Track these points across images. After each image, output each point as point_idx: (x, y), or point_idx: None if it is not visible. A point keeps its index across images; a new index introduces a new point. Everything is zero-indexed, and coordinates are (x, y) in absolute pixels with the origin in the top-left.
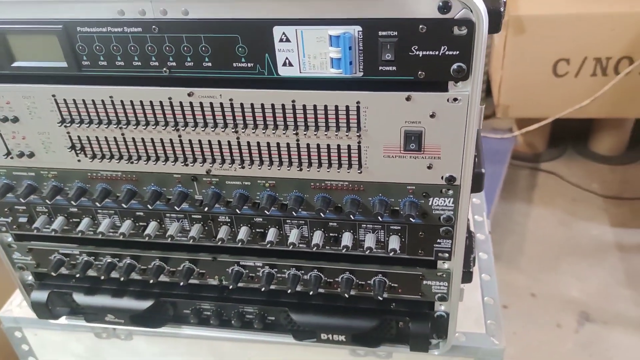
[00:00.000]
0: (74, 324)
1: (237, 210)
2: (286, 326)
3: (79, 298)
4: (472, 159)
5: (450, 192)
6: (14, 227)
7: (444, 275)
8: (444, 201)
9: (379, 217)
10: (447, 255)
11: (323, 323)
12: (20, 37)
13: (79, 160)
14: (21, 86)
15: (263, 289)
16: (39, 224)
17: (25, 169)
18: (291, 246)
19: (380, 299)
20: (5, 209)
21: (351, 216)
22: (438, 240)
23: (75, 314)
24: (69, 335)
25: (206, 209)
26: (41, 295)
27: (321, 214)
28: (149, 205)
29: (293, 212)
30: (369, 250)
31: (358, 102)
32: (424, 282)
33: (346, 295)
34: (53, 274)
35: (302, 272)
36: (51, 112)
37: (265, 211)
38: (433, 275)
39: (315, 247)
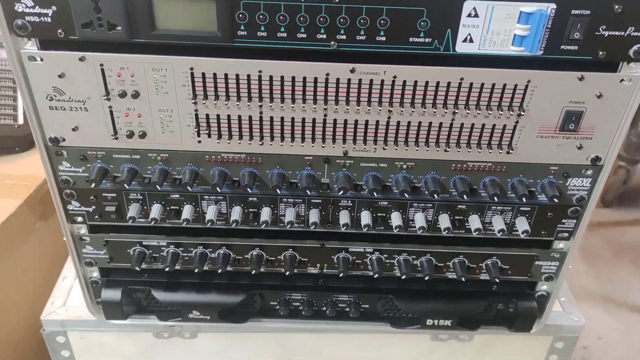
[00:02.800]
0: (137, 324)
1: (374, 193)
2: (382, 314)
3: (160, 295)
4: (621, 141)
5: (590, 172)
6: (96, 217)
7: (557, 256)
8: (582, 181)
9: (523, 199)
10: (566, 235)
11: (430, 309)
12: (169, 1)
13: (199, 141)
14: (155, 57)
15: (376, 275)
16: (134, 213)
17: (129, 151)
18: (421, 230)
19: (497, 281)
20: (91, 197)
21: (495, 198)
22: (563, 221)
23: (144, 312)
24: (123, 337)
25: (339, 191)
26: (113, 294)
27: (464, 196)
28: (277, 189)
29: (435, 195)
30: (501, 233)
31: (528, 81)
32: (536, 262)
33: (463, 279)
34: (137, 268)
35: (414, 257)
36: (182, 87)
37: (405, 193)
38: (547, 256)
39: (446, 231)
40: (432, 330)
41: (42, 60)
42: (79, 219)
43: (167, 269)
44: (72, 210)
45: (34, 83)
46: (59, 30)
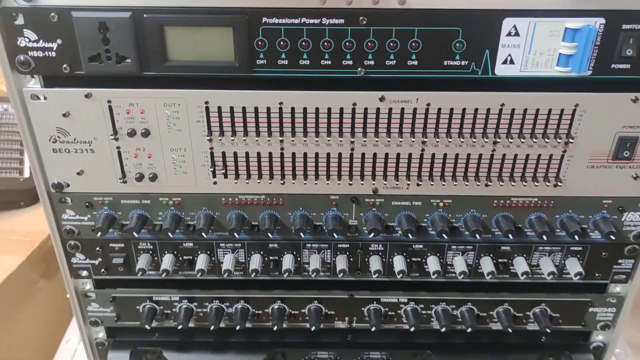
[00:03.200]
0: None
1: (409, 235)
2: None
3: (172, 356)
4: None
5: None
6: (103, 270)
7: (614, 301)
8: (639, 216)
9: (575, 237)
10: (623, 277)
11: None
12: (182, 30)
13: (214, 182)
14: (167, 91)
15: (412, 329)
16: (144, 264)
17: (139, 196)
18: (462, 276)
19: (548, 331)
20: (97, 248)
21: (544, 237)
22: (619, 261)
23: None
24: None
25: (370, 233)
26: (121, 357)
27: (510, 235)
28: (300, 233)
29: (477, 235)
30: (551, 276)
31: (576, 105)
32: (590, 309)
33: (509, 330)
34: (147, 326)
35: (453, 306)
36: (196, 123)
37: (444, 234)
38: (602, 301)
39: (490, 276)
40: None
41: (45, 98)
42: (84, 273)
43: (180, 327)
44: (77, 263)
45: (36, 124)
46: (64, 66)
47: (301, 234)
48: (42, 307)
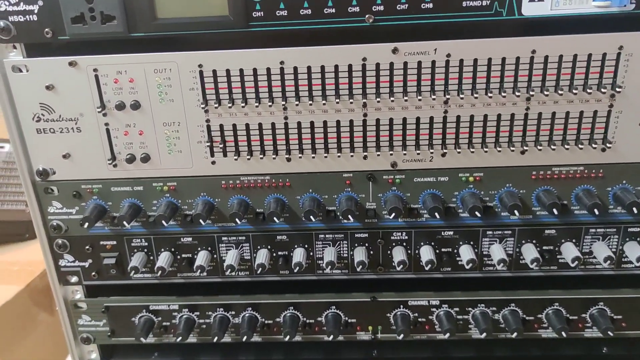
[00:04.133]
0: None
1: (435, 214)
2: None
3: None
4: None
5: None
6: (93, 274)
7: None
8: None
9: (634, 209)
10: None
11: None
12: None
13: (213, 162)
14: (157, 55)
15: (447, 335)
16: (137, 262)
17: (130, 182)
18: (501, 264)
19: (611, 334)
20: (87, 247)
21: (595, 211)
22: None
23: None
24: None
25: (390, 214)
26: None
27: (554, 210)
28: (310, 216)
29: (515, 211)
30: (608, 262)
31: (620, 47)
32: None
33: (563, 334)
34: (143, 339)
35: (494, 309)
36: (190, 92)
37: (476, 212)
38: None
39: (535, 264)
40: None
41: (28, 70)
42: (73, 278)
43: (179, 339)
44: (65, 266)
45: (19, 100)
46: (47, 30)
47: (311, 217)
48: (41, 343)
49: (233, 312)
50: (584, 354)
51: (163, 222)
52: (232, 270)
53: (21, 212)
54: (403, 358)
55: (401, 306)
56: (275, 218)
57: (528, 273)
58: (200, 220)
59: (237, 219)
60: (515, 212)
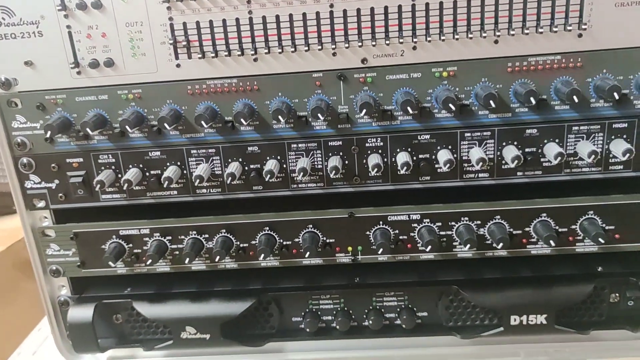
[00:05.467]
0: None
1: (407, 109)
2: (448, 321)
3: (144, 308)
4: None
5: None
6: (61, 195)
7: None
8: None
9: (615, 95)
10: None
11: (513, 299)
12: None
13: (178, 65)
14: None
15: (428, 249)
16: (104, 177)
17: (95, 91)
18: (480, 164)
19: (602, 241)
20: (52, 165)
21: (574, 98)
22: None
23: (127, 342)
24: None
25: (361, 111)
26: (83, 313)
27: (531, 99)
28: (279, 117)
29: (491, 101)
30: (593, 156)
31: None
32: None
33: (551, 243)
34: (112, 263)
35: (478, 222)
36: None
37: (450, 105)
38: None
39: (516, 162)
40: (521, 334)
41: None
42: (41, 203)
43: (149, 262)
44: (32, 189)
45: None
46: None
47: (280, 117)
48: (20, 309)
49: (206, 236)
50: (578, 272)
51: (127, 127)
52: (200, 181)
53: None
54: (387, 283)
55: (380, 222)
56: (242, 119)
57: (512, 180)
58: (165, 124)
59: (203, 122)
60: (491, 102)
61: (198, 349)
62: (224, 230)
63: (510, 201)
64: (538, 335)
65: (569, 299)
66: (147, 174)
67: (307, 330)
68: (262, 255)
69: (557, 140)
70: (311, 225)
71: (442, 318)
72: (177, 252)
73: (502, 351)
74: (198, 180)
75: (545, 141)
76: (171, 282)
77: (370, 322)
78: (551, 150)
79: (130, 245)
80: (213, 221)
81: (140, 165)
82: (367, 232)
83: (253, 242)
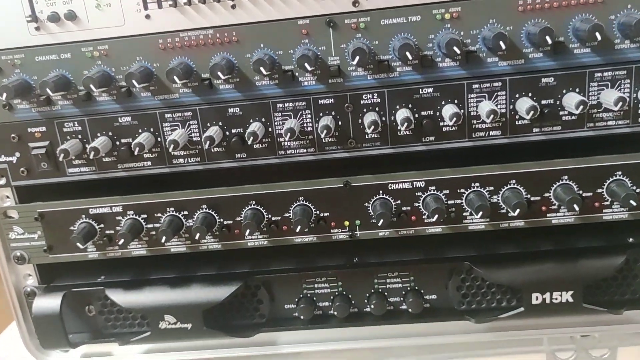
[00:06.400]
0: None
1: (406, 53)
2: (460, 304)
3: (118, 296)
4: None
5: None
6: (22, 170)
7: None
8: None
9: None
10: None
11: (534, 274)
12: None
13: (147, 16)
14: None
15: (435, 217)
16: (69, 146)
17: (56, 49)
18: (491, 116)
19: (634, 203)
20: (12, 135)
21: (597, 35)
22: None
23: (101, 337)
24: None
25: (353, 58)
26: (50, 303)
27: (547, 36)
28: (261, 68)
29: (500, 42)
30: (620, 104)
31: None
32: None
33: (575, 208)
34: (80, 245)
35: (490, 188)
36: None
37: (455, 48)
38: None
39: (532, 113)
40: (544, 315)
41: None
42: (1, 180)
43: (122, 242)
44: None
45: None
46: None
47: (262, 68)
48: None
49: (186, 212)
50: (605, 244)
51: (92, 86)
52: (175, 146)
53: None
54: (390, 262)
55: (380, 192)
56: (219, 73)
57: (527, 138)
58: (134, 82)
59: (175, 77)
60: (501, 44)
61: (179, 342)
62: (205, 206)
63: (527, 163)
64: (564, 316)
65: (597, 272)
66: (118, 142)
67: (302, 318)
68: (248, 231)
69: (577, 90)
70: (302, 198)
71: (454, 300)
72: (153, 233)
73: (523, 338)
74: (172, 146)
75: (564, 91)
76: (149, 267)
77: (372, 307)
78: (571, 99)
79: (102, 225)
80: (193, 195)
81: (110, 133)
82: (366, 204)
83: (238, 218)
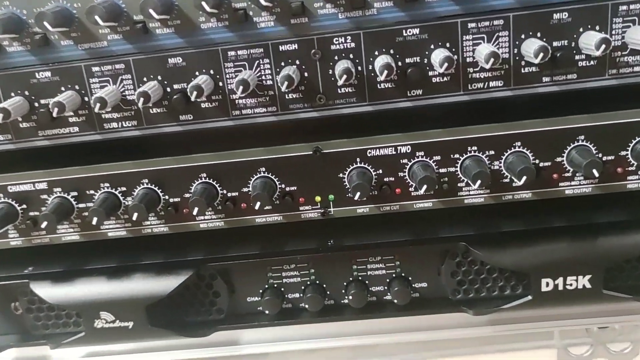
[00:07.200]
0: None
1: None
2: (455, 294)
3: (44, 290)
4: None
5: None
6: None
7: None
8: None
9: None
10: None
11: (543, 254)
12: None
13: None
14: None
15: (424, 188)
16: None
17: None
18: (491, 60)
19: None
20: None
21: None
22: None
23: (30, 340)
24: None
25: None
26: None
27: None
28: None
29: None
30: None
31: None
32: None
33: (595, 173)
34: None
35: (491, 152)
36: None
37: None
38: None
39: (541, 55)
40: (556, 304)
41: None
42: None
43: (44, 224)
44: None
45: None
46: None
47: (204, 4)
48: None
49: (124, 189)
50: (630, 219)
51: None
52: (102, 105)
53: None
54: (371, 244)
55: (358, 160)
56: (152, 11)
57: (536, 89)
58: (46, 24)
59: (97, 18)
60: None
61: (120, 343)
62: (147, 181)
63: (535, 120)
64: (580, 305)
65: (620, 252)
66: (36, 104)
67: (267, 312)
68: (196, 209)
69: (597, 28)
70: (263, 168)
71: (448, 289)
72: (86, 214)
73: (530, 332)
74: (99, 105)
75: (581, 29)
76: (86, 257)
77: (351, 298)
78: (590, 39)
79: (24, 206)
80: (131, 168)
81: (26, 93)
82: (340, 175)
83: (186, 195)
